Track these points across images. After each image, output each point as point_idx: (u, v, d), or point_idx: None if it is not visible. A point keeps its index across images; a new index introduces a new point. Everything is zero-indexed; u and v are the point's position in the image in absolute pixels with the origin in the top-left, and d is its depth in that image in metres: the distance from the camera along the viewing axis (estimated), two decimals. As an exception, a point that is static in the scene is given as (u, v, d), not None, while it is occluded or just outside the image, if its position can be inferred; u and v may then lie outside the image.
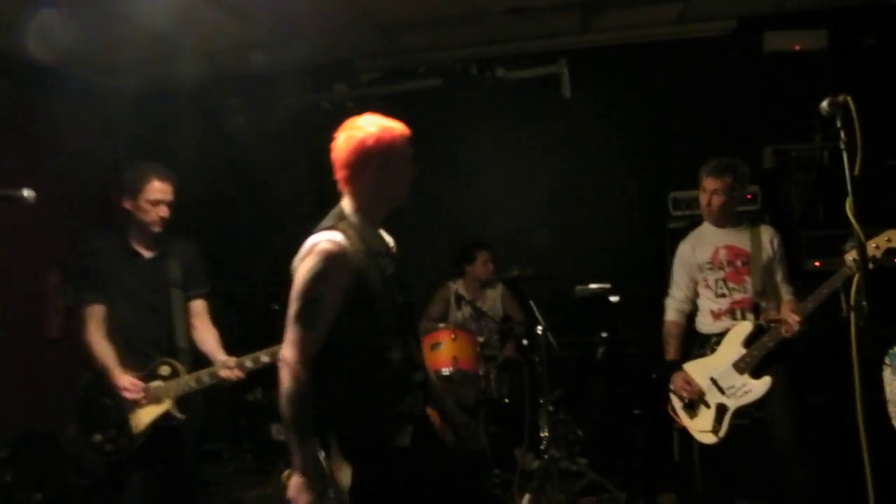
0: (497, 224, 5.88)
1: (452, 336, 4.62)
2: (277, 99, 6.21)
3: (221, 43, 5.48)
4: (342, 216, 2.58)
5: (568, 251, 5.71)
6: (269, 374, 5.28)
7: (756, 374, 3.77)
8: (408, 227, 5.76)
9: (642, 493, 4.49)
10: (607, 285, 4.96)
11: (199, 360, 3.79)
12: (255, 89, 6.26)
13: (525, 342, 4.71)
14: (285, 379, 2.38)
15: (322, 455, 4.71)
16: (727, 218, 4.03)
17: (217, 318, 3.92)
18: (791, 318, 3.69)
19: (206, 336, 3.82)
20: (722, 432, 3.83)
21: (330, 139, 2.65)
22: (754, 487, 4.27)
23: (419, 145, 6.00)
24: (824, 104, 2.70)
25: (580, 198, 5.67)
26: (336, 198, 6.11)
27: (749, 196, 5.01)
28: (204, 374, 3.66)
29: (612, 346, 5.07)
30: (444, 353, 4.54)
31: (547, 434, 4.50)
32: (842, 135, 2.69)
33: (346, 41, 5.69)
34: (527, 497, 4.39)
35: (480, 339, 4.71)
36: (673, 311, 4.18)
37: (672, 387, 4.04)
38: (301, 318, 2.40)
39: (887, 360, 3.30)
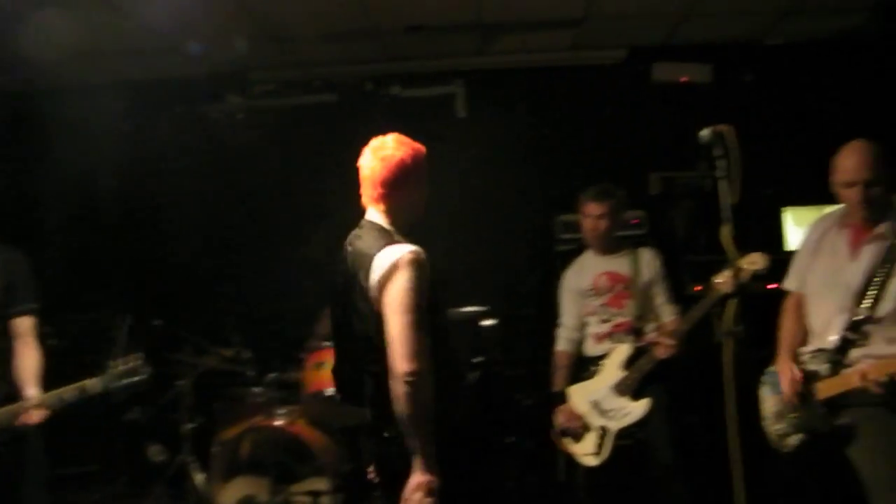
0: (388, 241, 5.84)
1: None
2: (166, 107, 6.02)
3: (110, 46, 5.27)
4: (386, 230, 2.71)
5: (458, 272, 5.70)
6: (147, 391, 5.09)
7: (636, 396, 3.84)
8: (298, 243, 5.75)
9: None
10: (482, 308, 5.00)
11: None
12: (144, 96, 6.04)
13: None
14: (417, 389, 2.40)
15: (202, 477, 4.57)
16: (610, 243, 4.12)
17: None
18: (665, 340, 3.79)
19: (25, 362, 3.39)
20: (604, 454, 3.89)
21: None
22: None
23: (311, 160, 5.94)
24: (705, 132, 2.78)
25: (472, 218, 5.66)
26: (226, 206, 5.92)
27: (635, 221, 5.15)
28: (3, 413, 3.21)
29: (487, 371, 5.07)
30: (328, 373, 4.43)
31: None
32: (719, 163, 2.73)
33: (241, 51, 5.56)
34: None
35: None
36: (563, 340, 4.23)
37: (556, 421, 4.09)
38: (417, 327, 2.46)
39: (764, 379, 3.41)
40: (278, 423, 4.49)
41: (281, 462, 4.53)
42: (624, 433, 3.89)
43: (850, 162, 3.10)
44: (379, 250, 2.55)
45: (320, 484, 4.38)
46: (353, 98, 5.95)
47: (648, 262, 4.09)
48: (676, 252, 5.33)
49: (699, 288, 5.21)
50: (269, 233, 5.92)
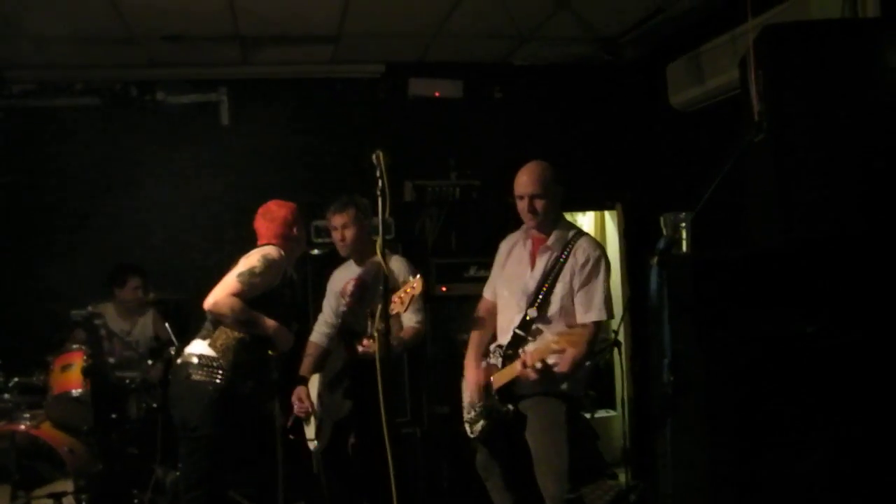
0: (153, 245, 5.89)
1: (85, 358, 4.59)
2: None
3: None
4: None
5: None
6: None
7: (346, 394, 4.11)
8: (57, 247, 5.71)
9: (274, 504, 4.72)
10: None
11: None
12: None
13: (150, 362, 4.81)
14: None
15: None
16: (363, 250, 4.34)
17: None
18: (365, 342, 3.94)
19: None
20: (322, 443, 4.19)
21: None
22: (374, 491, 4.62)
23: (75, 163, 5.87)
24: (373, 157, 3.12)
25: (234, 222, 5.82)
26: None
27: (383, 227, 5.51)
28: None
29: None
30: (75, 375, 4.51)
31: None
32: (379, 183, 3.07)
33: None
34: (157, 514, 4.49)
35: (111, 360, 4.72)
36: (315, 332, 4.55)
37: (293, 398, 4.37)
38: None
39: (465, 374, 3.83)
40: (22, 427, 4.50)
41: (26, 466, 4.53)
42: (344, 427, 4.17)
43: (522, 179, 3.61)
44: None
45: (66, 486, 4.43)
46: (117, 102, 5.95)
47: (390, 266, 4.35)
48: (426, 255, 5.77)
49: (444, 288, 5.70)
50: (27, 235, 5.82)
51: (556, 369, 3.37)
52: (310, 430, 4.29)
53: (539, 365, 3.30)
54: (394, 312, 3.72)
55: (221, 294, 3.67)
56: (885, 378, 2.83)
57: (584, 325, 3.45)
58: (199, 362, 3.67)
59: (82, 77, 5.93)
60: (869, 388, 2.83)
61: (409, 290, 3.63)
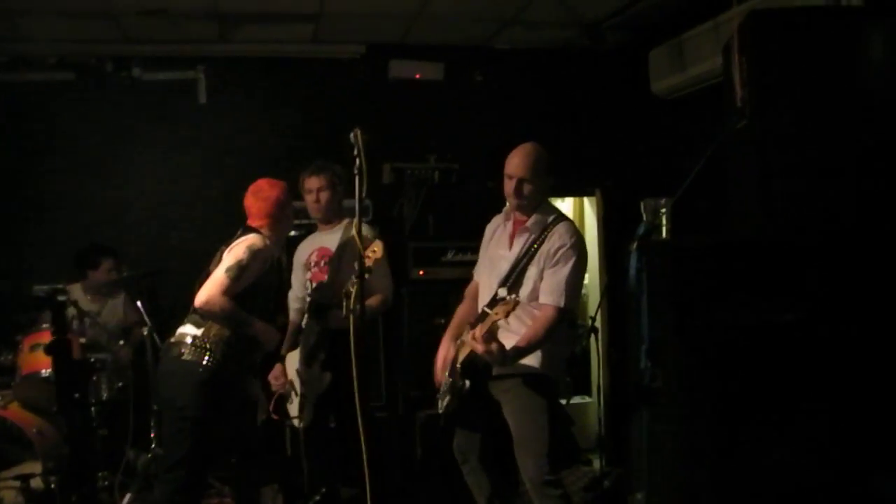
0: (128, 224, 5.80)
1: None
2: None
3: None
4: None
5: (200, 253, 5.76)
6: None
7: (324, 367, 4.06)
8: (29, 224, 5.60)
9: (245, 487, 4.66)
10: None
11: None
12: None
13: (121, 342, 4.74)
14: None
15: None
16: (333, 216, 4.35)
17: None
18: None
19: None
20: (307, 420, 4.13)
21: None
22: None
23: (47, 139, 5.75)
24: (351, 135, 3.07)
25: (209, 201, 5.75)
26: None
27: (360, 209, 5.45)
28: None
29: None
30: (44, 355, 4.43)
31: (153, 434, 4.57)
32: (357, 161, 3.02)
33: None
34: (128, 496, 4.43)
35: (82, 341, 4.63)
36: (290, 310, 4.51)
37: (269, 377, 4.32)
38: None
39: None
40: (-11, 407, 4.42)
41: (-8, 447, 4.46)
42: (326, 403, 4.12)
43: (514, 159, 3.57)
44: None
45: (34, 468, 4.36)
46: (92, 78, 5.82)
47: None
48: (402, 239, 5.72)
49: (422, 272, 5.66)
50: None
51: (508, 347, 3.31)
52: (293, 409, 4.23)
53: (486, 336, 3.22)
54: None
55: (213, 292, 3.58)
56: (864, 367, 2.83)
57: (541, 307, 3.43)
58: (192, 342, 3.62)
59: (56, 51, 5.78)
60: (847, 377, 2.83)
61: (370, 255, 3.49)
